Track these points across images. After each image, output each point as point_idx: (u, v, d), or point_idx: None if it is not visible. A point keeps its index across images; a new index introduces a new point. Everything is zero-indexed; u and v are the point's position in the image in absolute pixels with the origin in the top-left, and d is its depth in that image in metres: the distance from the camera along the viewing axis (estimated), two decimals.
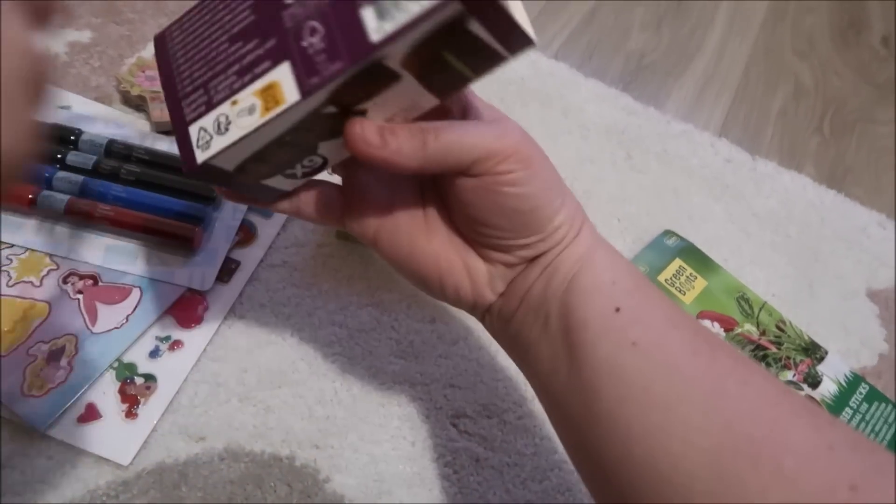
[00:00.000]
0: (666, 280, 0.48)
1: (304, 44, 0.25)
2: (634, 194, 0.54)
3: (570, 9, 0.69)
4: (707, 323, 0.47)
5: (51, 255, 0.42)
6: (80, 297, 0.41)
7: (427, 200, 0.32)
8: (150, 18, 0.56)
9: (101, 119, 0.48)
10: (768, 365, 0.46)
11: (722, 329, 0.47)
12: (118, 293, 0.41)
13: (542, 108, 0.57)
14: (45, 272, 0.41)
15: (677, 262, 0.49)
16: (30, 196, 0.42)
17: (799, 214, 0.55)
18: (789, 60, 0.70)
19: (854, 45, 0.74)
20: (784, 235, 0.54)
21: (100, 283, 0.42)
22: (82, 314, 0.40)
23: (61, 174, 0.43)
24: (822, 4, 0.77)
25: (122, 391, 0.39)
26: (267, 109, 0.25)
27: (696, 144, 0.58)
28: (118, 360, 0.40)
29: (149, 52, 0.53)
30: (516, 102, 0.58)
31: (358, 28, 0.24)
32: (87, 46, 0.53)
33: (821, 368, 0.46)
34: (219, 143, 0.27)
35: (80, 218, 0.42)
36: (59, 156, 0.44)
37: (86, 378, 0.38)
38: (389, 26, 0.23)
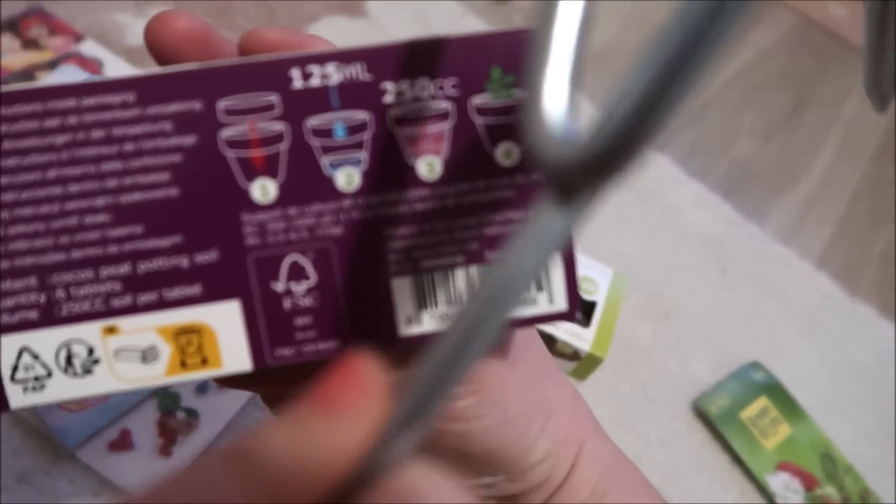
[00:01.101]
0: (748, 419, 0.44)
1: (278, 287, 0.16)
2: (724, 314, 0.50)
3: None
4: (787, 477, 0.43)
5: None
6: None
7: None
8: None
9: None
10: None
11: (802, 486, 0.43)
12: None
13: (639, 202, 0.55)
14: None
15: (763, 401, 0.45)
16: None
17: (893, 374, 0.51)
18: None
19: None
20: (876, 393, 0.50)
21: None
22: None
23: None
24: None
25: (161, 423, 0.36)
26: (183, 367, 0.16)
27: (794, 273, 0.54)
28: (164, 387, 0.37)
29: None
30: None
31: (380, 304, 0.17)
32: None
33: None
34: (63, 389, 0.16)
35: None
36: None
37: (126, 401, 0.36)
38: (433, 323, 0.17)
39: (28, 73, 0.45)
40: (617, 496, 0.21)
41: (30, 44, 0.46)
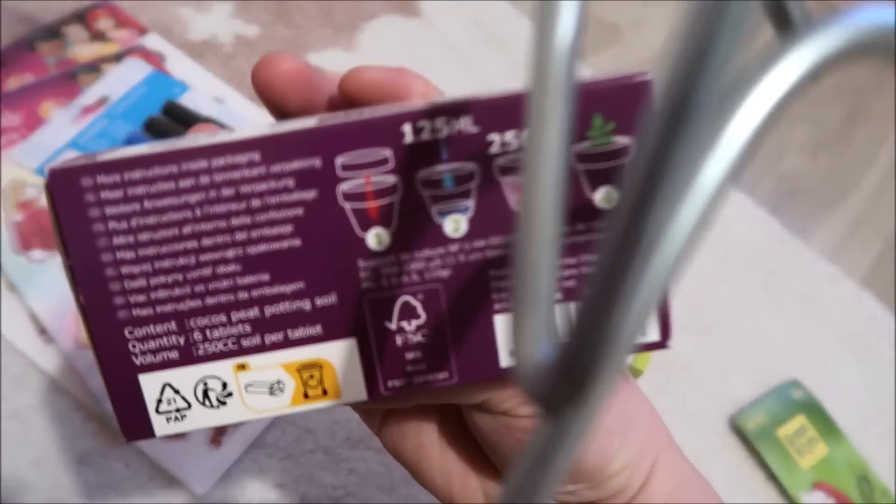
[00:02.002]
0: (786, 436, 0.44)
1: (391, 325, 0.18)
2: (767, 331, 0.50)
3: None
4: (822, 496, 0.43)
5: None
6: None
7: (446, 412, 0.24)
8: (318, 27, 0.55)
9: (251, 122, 0.47)
10: None
11: None
12: None
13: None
14: None
15: (801, 420, 0.45)
16: None
17: None
18: None
19: None
20: None
21: None
22: None
23: None
24: None
25: None
26: (306, 398, 0.18)
27: (840, 292, 0.54)
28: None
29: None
30: None
31: (485, 339, 0.18)
32: (252, 42, 0.53)
33: None
34: (202, 419, 0.18)
35: None
36: None
37: None
38: None
39: (95, 65, 0.46)
40: None
41: (97, 36, 0.48)
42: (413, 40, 0.57)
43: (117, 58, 0.47)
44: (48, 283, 0.38)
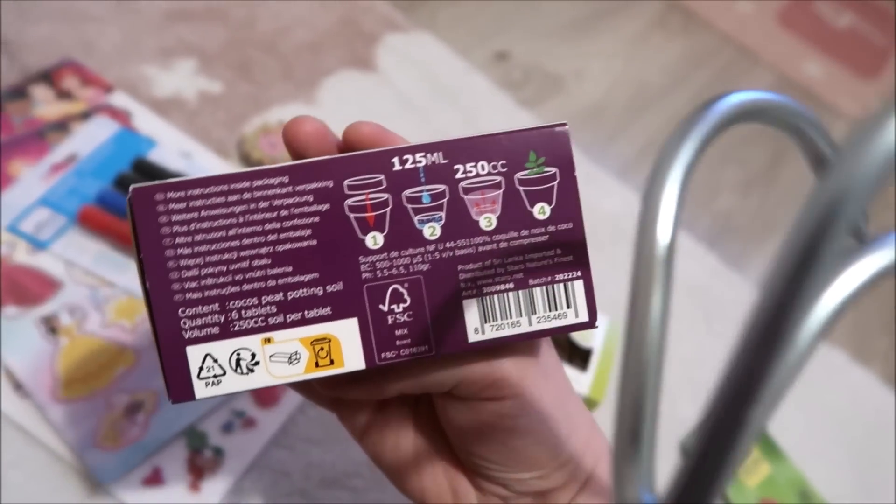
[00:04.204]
0: None
1: (384, 308, 0.23)
2: (709, 360, 0.54)
3: None
4: None
5: None
6: None
7: (420, 411, 0.28)
8: (279, 82, 0.58)
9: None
10: None
11: None
12: None
13: (632, 252, 0.58)
14: (139, 319, 0.42)
15: None
16: None
17: (866, 417, 0.55)
18: None
19: None
20: (850, 435, 0.53)
21: None
22: None
23: None
24: None
25: (190, 460, 0.38)
26: (317, 366, 0.22)
27: None
28: (192, 426, 0.39)
29: (274, 118, 0.55)
30: (606, 241, 0.58)
31: (456, 319, 0.23)
32: (216, 98, 0.55)
33: None
34: (234, 384, 0.22)
35: None
36: None
37: (159, 439, 0.38)
38: (493, 333, 0.23)
39: (63, 123, 0.48)
40: None
41: (64, 94, 0.49)
42: (370, 95, 0.60)
43: (84, 116, 0.48)
44: (23, 339, 0.39)
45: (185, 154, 0.49)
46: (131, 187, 0.22)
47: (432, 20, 0.70)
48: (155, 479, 0.37)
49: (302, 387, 0.28)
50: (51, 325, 0.40)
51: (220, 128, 0.53)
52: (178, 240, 0.22)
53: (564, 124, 0.24)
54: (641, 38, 0.80)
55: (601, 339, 0.46)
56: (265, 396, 0.41)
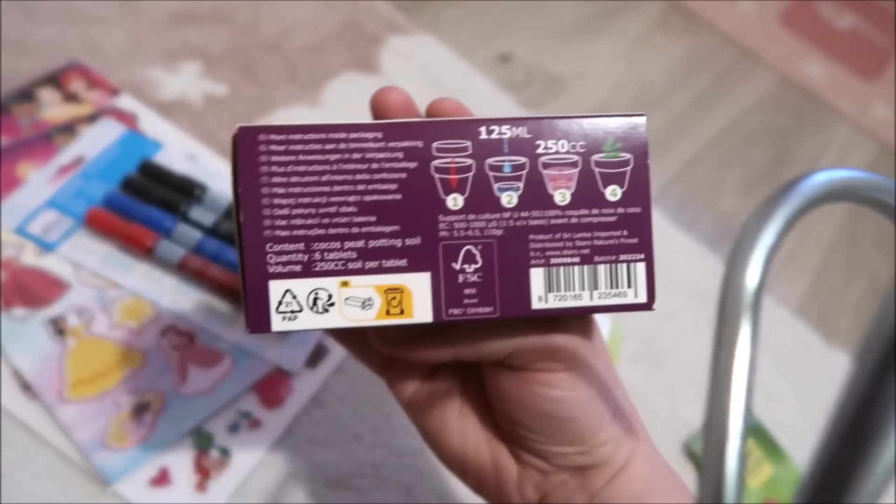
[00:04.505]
0: None
1: (456, 266, 0.24)
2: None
3: (671, 156, 0.71)
4: None
5: (154, 304, 0.43)
6: (175, 353, 0.41)
7: (468, 382, 0.30)
8: (283, 84, 0.58)
9: (223, 177, 0.49)
10: None
11: None
12: (211, 357, 0.42)
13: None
14: (147, 320, 0.42)
15: (748, 443, 0.49)
16: (149, 244, 0.43)
17: None
18: (869, 254, 0.71)
19: None
20: None
21: (195, 343, 0.42)
22: (174, 372, 0.41)
23: (182, 227, 0.44)
24: None
25: (197, 461, 0.39)
26: (388, 314, 0.23)
27: (775, 322, 0.58)
28: (198, 427, 0.40)
29: (278, 119, 0.55)
30: None
31: (522, 285, 0.24)
32: (221, 101, 0.55)
33: None
34: (308, 321, 0.23)
35: (191, 274, 0.43)
36: (182, 208, 0.45)
37: (166, 440, 0.38)
38: (555, 303, 0.24)
39: (70, 126, 0.48)
40: (665, 495, 0.27)
41: (70, 97, 0.50)
42: None
43: (91, 118, 0.49)
44: (31, 340, 0.39)
45: (190, 157, 0.50)
46: (238, 126, 0.23)
47: (435, 22, 0.70)
48: (162, 479, 0.38)
49: (359, 346, 0.30)
50: (58, 327, 0.40)
51: (225, 130, 0.53)
52: (275, 179, 0.23)
53: (643, 115, 0.25)
54: (643, 38, 0.80)
55: (604, 340, 0.47)
56: (271, 397, 0.42)
